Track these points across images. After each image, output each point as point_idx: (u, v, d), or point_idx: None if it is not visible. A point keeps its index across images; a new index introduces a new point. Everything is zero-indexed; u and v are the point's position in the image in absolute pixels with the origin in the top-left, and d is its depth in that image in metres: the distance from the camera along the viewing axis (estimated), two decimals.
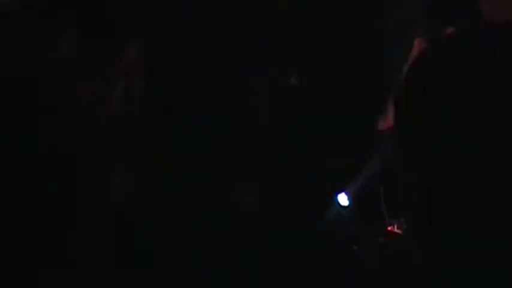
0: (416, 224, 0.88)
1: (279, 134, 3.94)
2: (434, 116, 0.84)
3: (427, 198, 0.86)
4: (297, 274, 2.98)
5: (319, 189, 3.47)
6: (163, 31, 4.06)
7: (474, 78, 0.82)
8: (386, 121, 3.54)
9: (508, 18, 4.19)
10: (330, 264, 2.97)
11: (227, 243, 3.29)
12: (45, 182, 2.32)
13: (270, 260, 3.09)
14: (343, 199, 3.20)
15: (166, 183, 3.67)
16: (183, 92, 3.63)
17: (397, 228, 3.00)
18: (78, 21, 2.58)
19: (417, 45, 3.45)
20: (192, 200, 3.61)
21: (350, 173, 3.26)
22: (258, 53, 3.73)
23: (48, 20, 2.44)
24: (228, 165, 3.95)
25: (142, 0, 3.02)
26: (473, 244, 0.83)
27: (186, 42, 3.10)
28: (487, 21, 1.86)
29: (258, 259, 3.11)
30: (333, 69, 4.13)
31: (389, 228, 2.99)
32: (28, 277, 2.28)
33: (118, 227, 2.90)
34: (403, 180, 0.89)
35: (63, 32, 2.49)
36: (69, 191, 2.41)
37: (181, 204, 3.47)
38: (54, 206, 2.28)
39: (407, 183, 0.88)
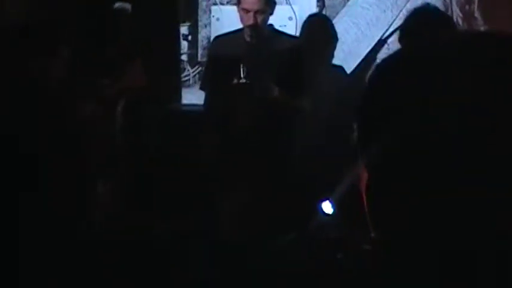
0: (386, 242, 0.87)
1: (264, 144, 3.97)
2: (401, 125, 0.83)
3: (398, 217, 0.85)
4: (280, 282, 2.99)
5: (303, 197, 3.49)
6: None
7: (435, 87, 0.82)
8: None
9: None
10: (313, 272, 2.98)
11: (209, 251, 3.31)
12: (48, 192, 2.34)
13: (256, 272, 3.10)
14: (327, 207, 3.21)
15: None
16: None
17: None
18: (76, 42, 2.60)
19: None
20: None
21: (333, 181, 3.28)
22: None
23: (45, 39, 2.45)
24: (213, 177, 3.97)
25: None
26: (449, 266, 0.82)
27: None
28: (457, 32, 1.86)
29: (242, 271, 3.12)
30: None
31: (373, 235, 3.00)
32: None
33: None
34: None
35: (59, 52, 2.51)
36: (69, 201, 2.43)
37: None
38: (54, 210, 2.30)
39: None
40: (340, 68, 4.56)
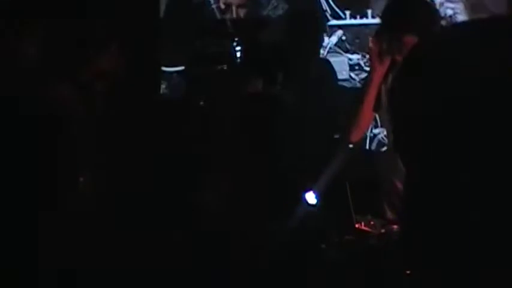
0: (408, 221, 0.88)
1: (247, 136, 3.97)
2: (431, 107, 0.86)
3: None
4: (264, 272, 3.00)
5: (287, 188, 3.49)
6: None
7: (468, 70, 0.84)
8: (359, 132, 3.51)
9: None
10: (297, 262, 2.99)
11: (192, 242, 3.30)
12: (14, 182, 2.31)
13: (236, 260, 3.11)
14: (310, 198, 3.22)
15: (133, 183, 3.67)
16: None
17: (365, 225, 3.04)
18: (50, 27, 2.57)
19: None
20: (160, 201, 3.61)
21: (317, 172, 3.29)
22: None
23: (15, 24, 2.42)
24: (197, 167, 3.96)
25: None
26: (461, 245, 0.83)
27: None
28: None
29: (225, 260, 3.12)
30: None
31: (356, 225, 3.02)
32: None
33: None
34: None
35: (30, 37, 2.48)
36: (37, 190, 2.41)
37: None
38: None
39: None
40: (326, 61, 4.59)
